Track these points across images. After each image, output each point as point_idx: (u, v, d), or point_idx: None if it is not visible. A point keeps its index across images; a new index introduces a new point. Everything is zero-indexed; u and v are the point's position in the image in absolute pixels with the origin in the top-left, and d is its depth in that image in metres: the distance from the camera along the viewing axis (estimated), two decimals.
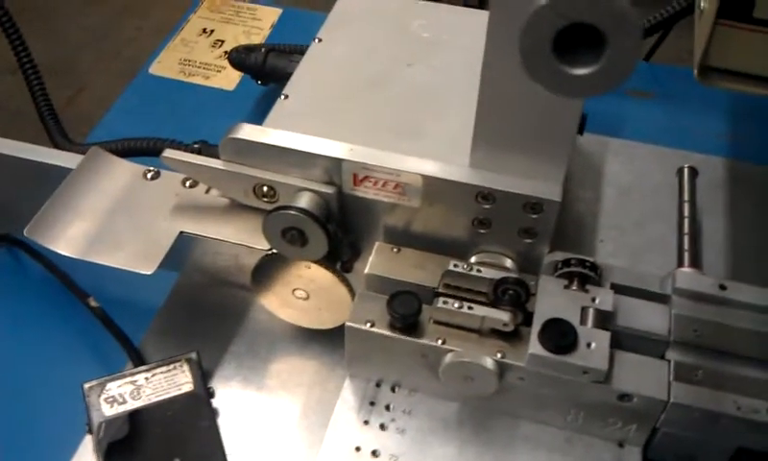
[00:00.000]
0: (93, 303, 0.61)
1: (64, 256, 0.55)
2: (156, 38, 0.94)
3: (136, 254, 0.55)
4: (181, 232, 0.55)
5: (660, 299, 0.50)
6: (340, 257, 0.55)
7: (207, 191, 0.57)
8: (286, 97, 0.59)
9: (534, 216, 0.50)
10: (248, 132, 0.53)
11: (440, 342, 0.49)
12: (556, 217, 0.50)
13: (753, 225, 0.67)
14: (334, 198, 0.52)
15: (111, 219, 0.57)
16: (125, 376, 0.55)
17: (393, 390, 0.55)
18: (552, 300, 0.49)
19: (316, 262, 0.54)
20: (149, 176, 0.60)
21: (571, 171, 0.69)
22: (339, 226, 0.53)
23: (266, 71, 0.76)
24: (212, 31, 0.93)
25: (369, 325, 0.51)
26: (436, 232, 0.53)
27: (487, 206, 0.51)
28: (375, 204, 0.53)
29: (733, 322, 0.49)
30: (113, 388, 0.54)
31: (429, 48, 0.63)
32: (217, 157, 0.54)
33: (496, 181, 0.50)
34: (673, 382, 0.47)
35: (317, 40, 0.64)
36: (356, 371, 0.55)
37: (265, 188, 0.54)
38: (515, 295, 0.49)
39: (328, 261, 0.54)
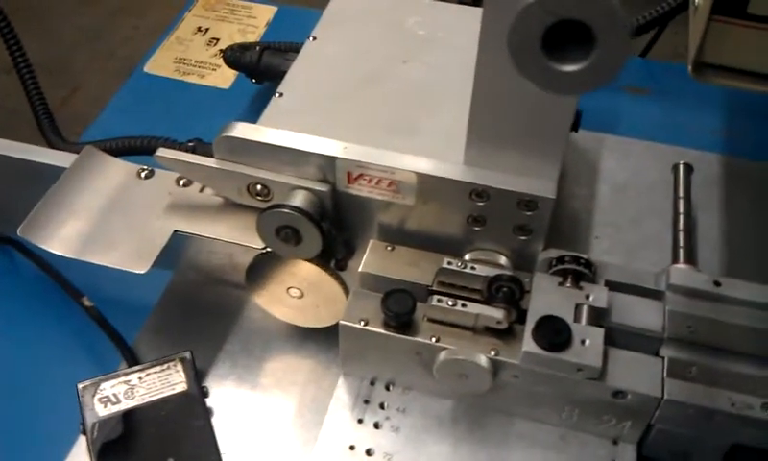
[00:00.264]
0: (87, 303, 0.61)
1: (58, 256, 0.55)
2: (152, 38, 0.94)
3: (130, 254, 0.54)
4: (175, 231, 0.55)
5: (655, 295, 0.50)
6: (334, 255, 0.55)
7: (201, 190, 0.57)
8: (281, 95, 0.59)
9: (528, 213, 0.50)
10: (241, 130, 0.52)
11: (434, 340, 0.49)
12: (550, 214, 0.50)
13: (748, 221, 0.67)
14: (328, 196, 0.52)
15: (105, 218, 0.57)
16: (118, 376, 0.54)
17: (387, 388, 0.55)
18: (546, 297, 0.49)
19: (310, 260, 0.54)
20: (143, 175, 0.59)
21: (566, 168, 0.69)
22: (333, 224, 0.53)
23: (261, 69, 0.76)
24: (207, 29, 0.93)
25: (363, 323, 0.51)
26: (430, 230, 0.53)
27: (481, 204, 0.50)
28: (370, 201, 0.53)
29: (728, 318, 0.49)
30: (107, 388, 0.54)
31: (424, 45, 0.63)
32: (212, 156, 0.54)
33: (490, 179, 0.49)
34: (667, 379, 0.47)
35: (311, 38, 0.64)
36: (350, 369, 0.55)
37: (259, 187, 0.53)
38: (509, 292, 0.49)
39: (323, 259, 0.54)
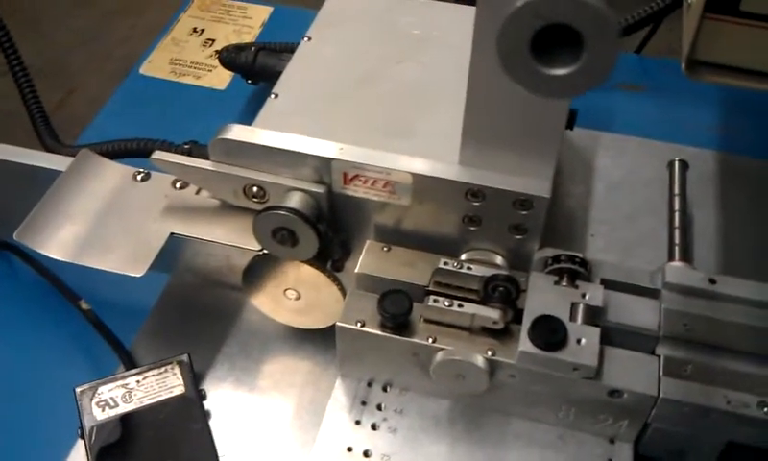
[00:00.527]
0: (84, 306, 0.61)
1: (55, 259, 0.55)
2: (149, 37, 0.94)
3: (127, 257, 0.54)
4: (172, 234, 0.55)
5: (650, 294, 0.50)
6: (331, 257, 0.55)
7: (198, 192, 0.57)
8: (276, 96, 0.59)
9: (523, 213, 0.50)
10: (237, 132, 0.52)
11: (430, 340, 0.49)
12: (545, 213, 0.50)
13: (744, 218, 0.67)
14: (324, 197, 0.52)
15: (101, 222, 0.57)
16: (116, 380, 0.54)
17: (384, 389, 0.55)
18: (542, 296, 0.49)
19: (307, 262, 0.54)
20: (139, 177, 0.59)
21: (562, 166, 0.69)
22: (329, 225, 0.53)
23: (256, 70, 0.76)
24: (203, 30, 0.93)
25: (359, 324, 0.51)
26: (426, 230, 0.53)
27: (476, 204, 0.50)
28: (366, 202, 0.53)
29: (723, 316, 0.49)
30: (105, 392, 0.54)
31: (419, 45, 0.63)
32: (208, 158, 0.54)
33: (486, 179, 0.50)
34: (663, 377, 0.47)
35: (306, 39, 0.64)
36: (347, 371, 0.55)
37: (255, 189, 0.54)
38: (505, 292, 0.49)
39: (319, 261, 0.54)
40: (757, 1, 0.43)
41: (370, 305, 0.51)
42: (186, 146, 0.65)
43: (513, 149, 0.49)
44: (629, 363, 0.48)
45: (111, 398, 0.54)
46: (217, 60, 0.80)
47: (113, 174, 0.60)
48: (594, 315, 0.49)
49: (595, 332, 0.48)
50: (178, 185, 0.58)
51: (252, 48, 0.76)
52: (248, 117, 0.56)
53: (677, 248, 0.57)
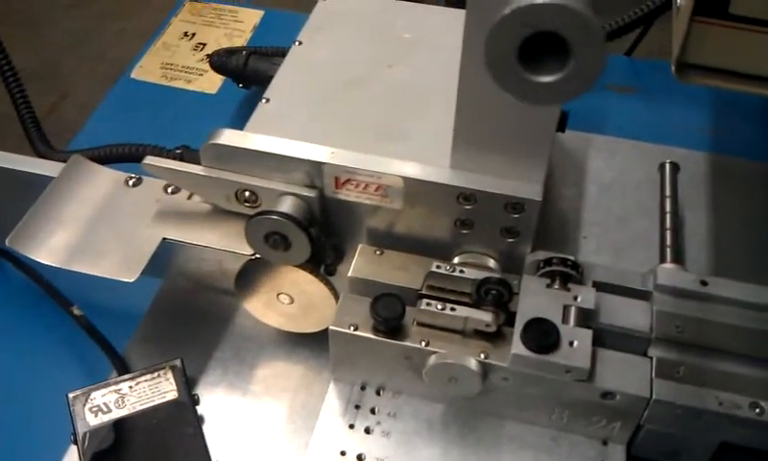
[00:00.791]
0: (77, 312, 0.60)
1: (48, 265, 0.55)
2: (140, 41, 0.94)
3: (119, 263, 0.54)
4: (164, 239, 0.55)
5: (642, 296, 0.51)
6: (323, 261, 0.55)
7: (190, 197, 0.57)
8: (267, 101, 0.59)
9: (515, 216, 0.50)
10: (228, 137, 0.52)
11: (423, 344, 0.49)
12: (537, 216, 0.50)
13: (735, 220, 0.67)
14: (316, 201, 0.52)
15: (93, 227, 0.57)
16: (109, 385, 0.54)
17: (377, 393, 0.55)
18: (534, 299, 0.49)
19: (299, 266, 0.54)
20: (130, 183, 0.59)
21: (553, 168, 0.70)
22: (322, 229, 0.53)
23: (247, 74, 0.76)
24: (194, 34, 0.93)
25: (352, 328, 0.51)
26: (418, 234, 0.53)
27: (468, 207, 0.51)
28: (358, 206, 0.53)
29: (715, 317, 0.49)
30: (98, 397, 0.54)
31: (410, 49, 0.63)
32: (199, 163, 0.54)
33: (477, 182, 0.50)
34: (655, 379, 0.48)
35: (297, 43, 0.64)
36: (341, 374, 0.55)
37: (247, 193, 0.53)
38: (497, 295, 0.49)
39: (312, 265, 0.54)
40: (746, 4, 0.43)
41: (362, 309, 0.51)
42: (178, 151, 0.64)
43: (504, 152, 0.49)
44: (621, 365, 0.48)
45: (104, 403, 0.54)
46: (208, 65, 0.80)
47: (105, 179, 0.60)
48: (586, 317, 0.49)
49: (588, 335, 0.48)
50: (170, 190, 0.58)
51: (244, 52, 0.76)
52: (239, 121, 0.56)
53: (668, 249, 0.58)
